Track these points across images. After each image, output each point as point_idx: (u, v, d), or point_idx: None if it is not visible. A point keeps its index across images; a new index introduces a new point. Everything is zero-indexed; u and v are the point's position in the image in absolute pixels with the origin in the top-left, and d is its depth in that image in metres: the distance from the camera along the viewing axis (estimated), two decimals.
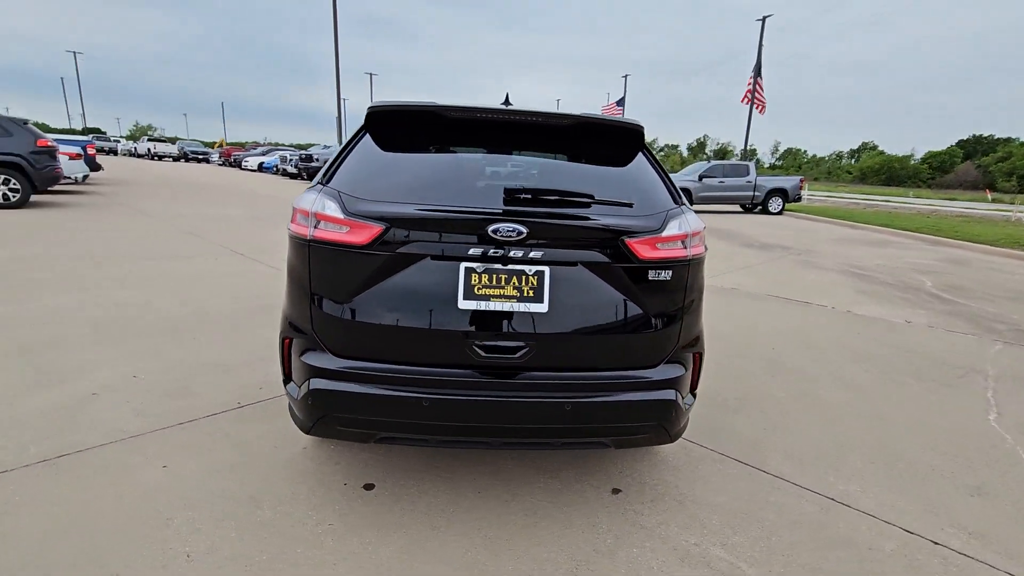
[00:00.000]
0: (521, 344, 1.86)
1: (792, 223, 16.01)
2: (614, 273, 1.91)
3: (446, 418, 1.87)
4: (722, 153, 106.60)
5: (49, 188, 11.38)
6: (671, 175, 2.27)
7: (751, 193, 18.11)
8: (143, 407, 2.95)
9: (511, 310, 1.84)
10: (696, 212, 2.17)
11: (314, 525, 2.08)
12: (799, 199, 19.11)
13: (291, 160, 26.60)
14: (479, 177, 2.14)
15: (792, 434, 2.98)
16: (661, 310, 1.98)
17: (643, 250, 1.89)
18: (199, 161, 43.44)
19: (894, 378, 3.90)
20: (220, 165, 38.92)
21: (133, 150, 46.95)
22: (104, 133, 66.62)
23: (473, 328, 1.84)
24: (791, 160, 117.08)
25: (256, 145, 52.04)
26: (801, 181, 19.04)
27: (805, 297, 6.32)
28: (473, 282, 1.84)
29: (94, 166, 16.96)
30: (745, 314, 5.49)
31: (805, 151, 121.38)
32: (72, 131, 51.02)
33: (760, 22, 24.92)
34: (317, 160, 23.52)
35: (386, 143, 2.13)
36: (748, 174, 18.12)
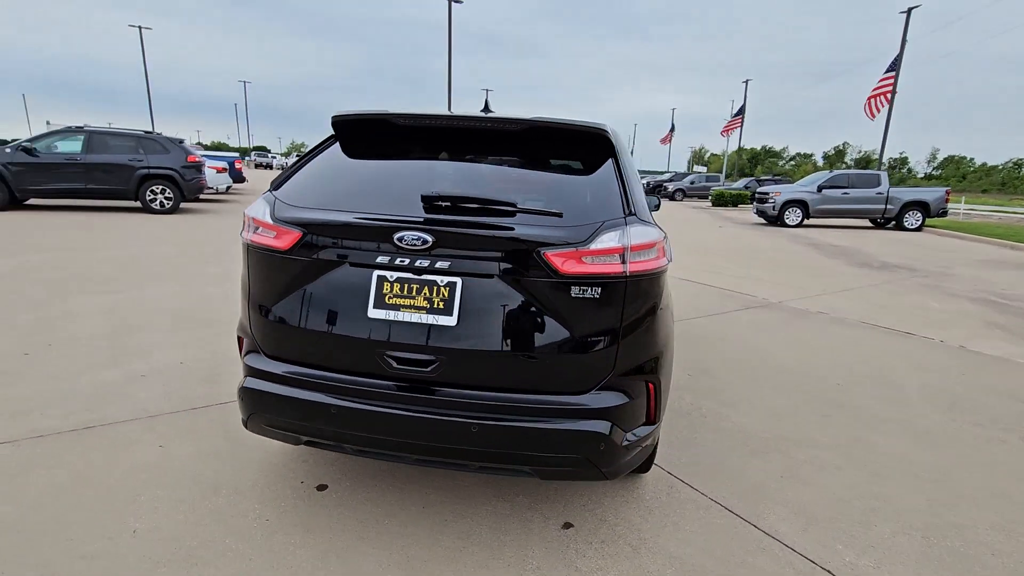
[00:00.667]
0: (431, 358, 1.77)
1: (930, 241, 13.87)
2: (533, 288, 1.75)
3: (359, 428, 1.84)
4: (864, 162, 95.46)
5: (196, 197, 13.24)
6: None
7: (882, 206, 16.00)
8: (174, 390, 3.28)
9: (420, 322, 1.77)
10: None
11: (254, 518, 2.15)
12: (944, 213, 16.48)
13: None
14: (419, 184, 2.08)
15: (812, 487, 2.53)
16: (590, 331, 1.77)
17: (564, 264, 1.72)
18: None
19: (987, 433, 3.17)
20: None
21: (285, 164, 53.69)
22: (267, 150, 76.15)
23: (384, 338, 1.79)
24: (952, 169, 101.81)
25: None
26: (947, 193, 16.43)
27: (911, 327, 5.40)
28: (384, 291, 1.79)
29: (238, 178, 19.52)
30: (821, 343, 4.81)
31: (971, 159, 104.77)
32: (225, 147, 59.21)
33: (904, 14, 22.03)
34: None
35: (348, 151, 2.19)
36: (879, 185, 16.02)
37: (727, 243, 12.03)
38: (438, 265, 1.76)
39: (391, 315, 1.78)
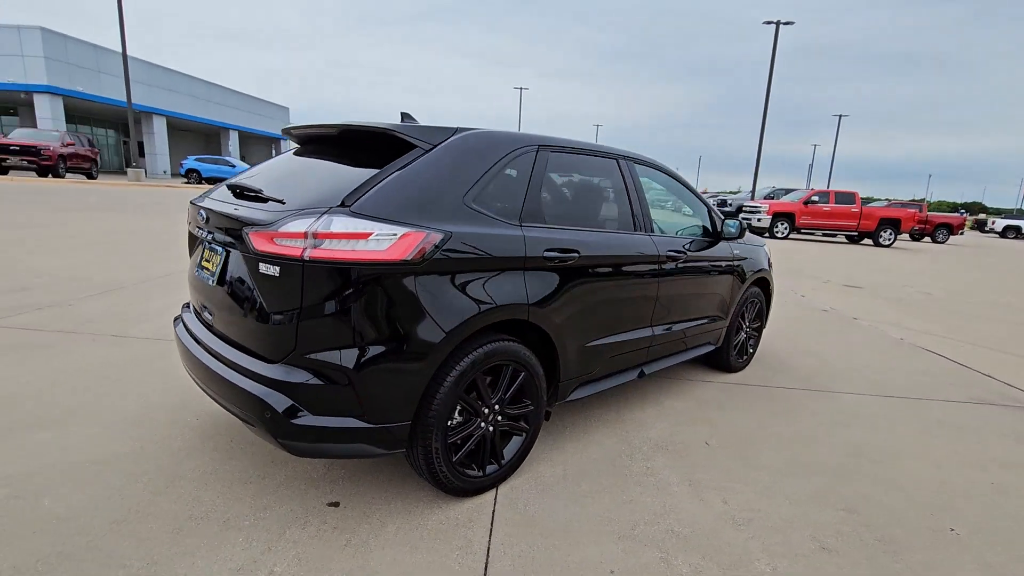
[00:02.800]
0: (209, 311, 2.21)
1: None
2: (246, 261, 1.95)
3: (195, 370, 2.20)
4: None
5: None
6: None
7: None
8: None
9: (206, 281, 2.19)
10: None
11: (176, 501, 2.20)
12: None
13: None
14: (259, 176, 2.34)
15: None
16: (275, 307, 1.87)
17: (257, 242, 1.87)
18: None
19: None
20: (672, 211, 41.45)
21: None
22: None
23: (199, 293, 2.29)
24: None
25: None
26: None
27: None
28: (203, 255, 2.28)
29: None
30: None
31: None
32: None
33: None
34: (729, 205, 21.82)
35: (295, 152, 2.61)
36: None
37: None
38: (213, 236, 2.15)
39: (201, 274, 2.24)
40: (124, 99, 25.05)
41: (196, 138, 44.69)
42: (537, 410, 2.42)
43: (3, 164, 20.58)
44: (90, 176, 23.42)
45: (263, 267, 1.86)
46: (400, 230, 1.86)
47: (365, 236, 1.80)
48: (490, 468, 2.29)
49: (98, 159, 24.23)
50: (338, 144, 2.37)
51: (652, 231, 3.02)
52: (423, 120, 2.49)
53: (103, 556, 1.76)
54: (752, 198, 22.76)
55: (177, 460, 2.34)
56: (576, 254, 2.44)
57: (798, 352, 4.70)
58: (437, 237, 1.93)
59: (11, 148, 20.39)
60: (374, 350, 1.86)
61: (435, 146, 2.12)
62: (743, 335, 4.04)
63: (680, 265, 3.16)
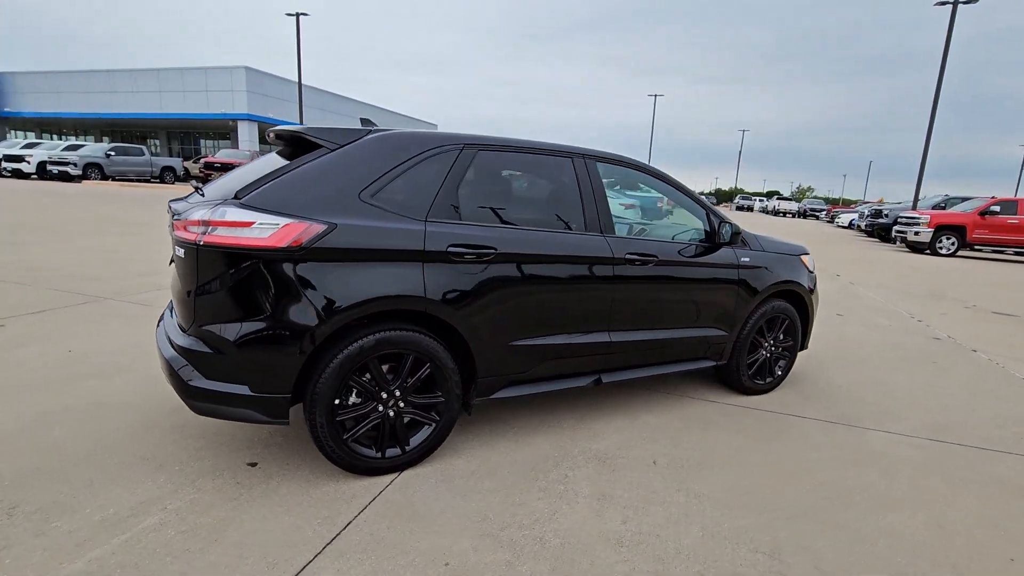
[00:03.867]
0: None
1: None
2: (174, 247, 2.33)
3: None
4: None
5: None
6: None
7: None
8: None
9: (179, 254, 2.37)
10: None
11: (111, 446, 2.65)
12: None
13: (866, 216, 21.66)
14: (233, 176, 2.61)
15: None
16: (187, 284, 2.18)
17: (176, 230, 2.21)
18: (802, 216, 46.69)
19: None
20: (826, 221, 37.85)
21: (766, 207, 52.17)
22: (749, 194, 69.60)
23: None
24: None
25: (863, 203, 43.51)
26: None
27: None
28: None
29: None
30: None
31: None
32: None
33: None
34: (886, 216, 19.60)
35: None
36: None
37: None
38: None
39: (178, 251, 2.29)
40: (301, 122, 29.47)
41: None
42: (448, 402, 2.47)
43: (210, 178, 25.50)
44: None
45: (178, 250, 2.21)
46: (282, 220, 2.08)
47: (248, 224, 2.05)
48: (391, 451, 2.40)
49: None
50: (284, 145, 2.65)
51: (611, 232, 2.88)
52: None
53: (60, 475, 2.22)
54: (914, 207, 19.38)
55: (163, 413, 2.82)
56: (492, 250, 2.45)
57: (861, 382, 4.02)
58: (319, 228, 2.11)
59: (215, 165, 25.10)
60: (253, 326, 2.10)
61: (341, 146, 2.31)
62: (763, 353, 3.59)
63: (651, 270, 2.95)
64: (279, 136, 2.61)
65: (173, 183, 26.60)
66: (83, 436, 2.54)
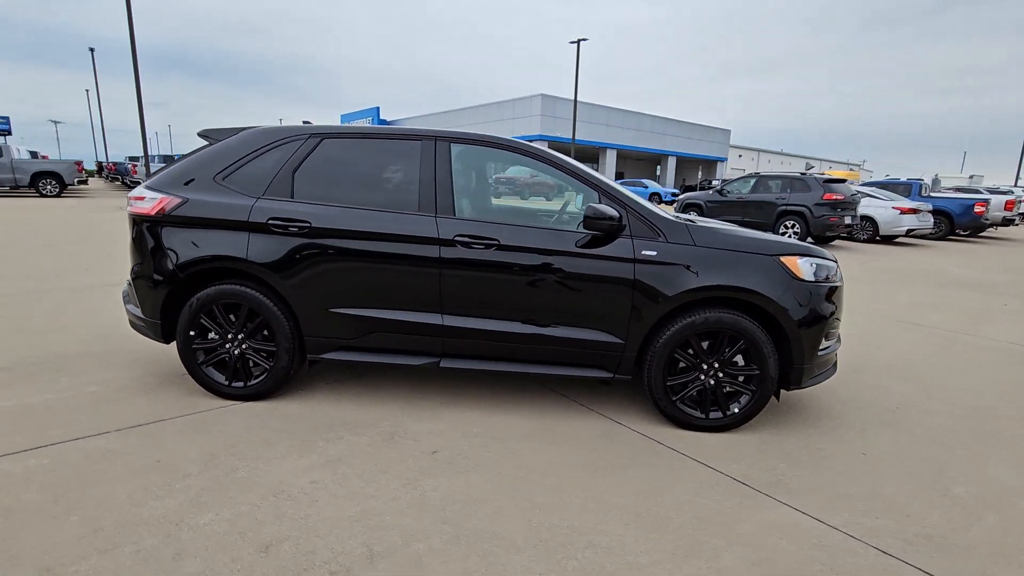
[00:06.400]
0: None
1: None
2: None
3: None
4: None
5: (824, 234, 11.74)
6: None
7: None
8: None
9: None
10: None
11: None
12: None
13: None
14: None
15: None
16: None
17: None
18: None
19: None
20: None
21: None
22: None
23: None
24: None
25: None
26: None
27: None
28: None
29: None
30: None
31: None
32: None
33: None
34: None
35: None
36: None
37: None
38: None
39: None
40: (589, 140, 32.36)
41: (645, 164, 51.31)
42: (279, 351, 2.93)
43: None
44: None
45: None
46: (157, 196, 2.94)
47: (141, 199, 2.99)
48: (236, 383, 3.00)
49: None
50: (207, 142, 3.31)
51: (452, 214, 2.80)
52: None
53: (29, 418, 3.59)
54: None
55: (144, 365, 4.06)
56: (307, 224, 2.80)
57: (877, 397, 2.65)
58: (175, 201, 2.90)
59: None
60: (142, 269, 3.03)
61: (218, 141, 3.04)
62: (706, 380, 2.77)
63: (493, 255, 2.74)
64: (201, 136, 3.34)
65: None
66: (67, 386, 3.94)
